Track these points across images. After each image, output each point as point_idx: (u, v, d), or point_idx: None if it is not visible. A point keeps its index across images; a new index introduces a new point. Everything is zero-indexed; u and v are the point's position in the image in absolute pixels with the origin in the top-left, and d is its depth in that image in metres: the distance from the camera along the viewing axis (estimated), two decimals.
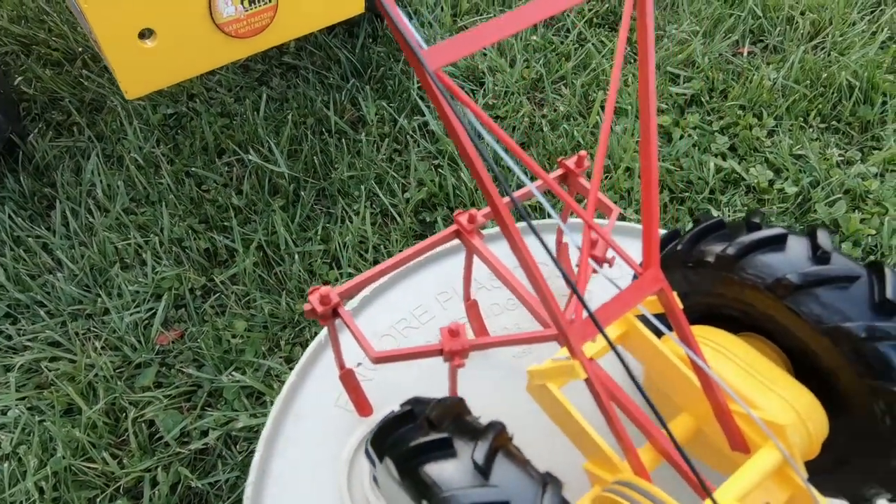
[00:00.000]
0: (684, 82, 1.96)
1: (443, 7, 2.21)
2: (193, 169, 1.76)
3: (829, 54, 2.02)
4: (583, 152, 1.03)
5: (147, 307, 1.49)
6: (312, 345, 1.15)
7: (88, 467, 1.24)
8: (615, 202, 1.66)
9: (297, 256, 1.56)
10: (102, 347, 1.43)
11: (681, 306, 0.68)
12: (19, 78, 2.04)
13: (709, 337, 0.79)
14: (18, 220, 1.66)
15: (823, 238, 0.74)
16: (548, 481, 0.59)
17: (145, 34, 1.04)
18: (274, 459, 1.01)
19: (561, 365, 0.69)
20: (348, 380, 0.97)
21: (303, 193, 1.70)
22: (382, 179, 1.73)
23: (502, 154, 0.54)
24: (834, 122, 1.85)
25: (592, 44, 2.08)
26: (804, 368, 0.77)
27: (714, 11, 2.17)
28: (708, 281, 0.80)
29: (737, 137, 1.81)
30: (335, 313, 0.85)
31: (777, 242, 0.75)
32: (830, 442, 0.76)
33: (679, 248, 0.82)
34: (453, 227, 0.94)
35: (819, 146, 1.79)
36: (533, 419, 0.85)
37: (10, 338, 1.45)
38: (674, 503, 0.60)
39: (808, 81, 1.93)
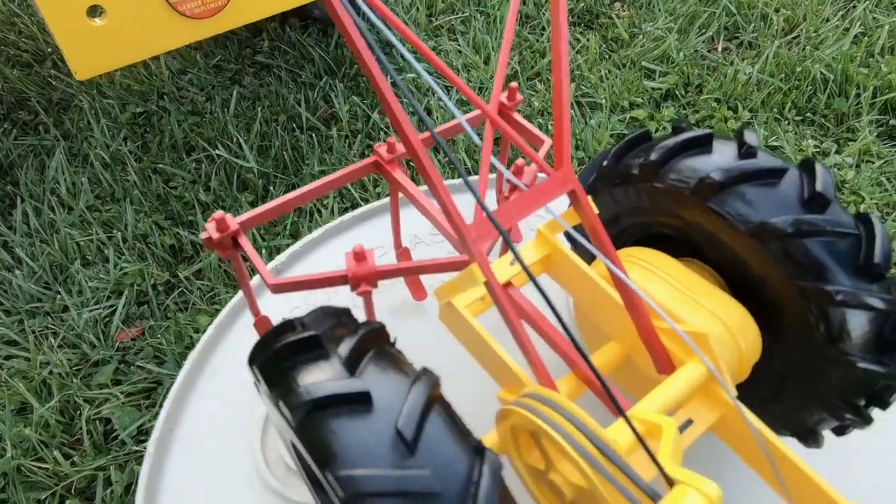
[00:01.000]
0: (660, 77, 1.95)
1: (418, 7, 2.20)
2: (161, 166, 1.72)
3: (803, 49, 2.03)
4: (513, 84, 0.98)
5: (108, 304, 1.44)
6: (234, 300, 1.11)
7: (39, 467, 1.18)
8: None
9: (263, 252, 1.52)
10: (59, 345, 1.38)
11: (596, 210, 0.63)
12: None
13: (640, 256, 0.74)
14: None
15: (750, 136, 0.69)
16: (421, 375, 0.54)
17: (94, 12, 1.01)
18: (185, 414, 0.96)
19: (461, 274, 0.63)
20: (264, 328, 0.91)
21: (272, 189, 1.66)
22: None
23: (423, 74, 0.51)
24: (809, 115, 1.84)
25: (570, 42, 2.07)
26: (739, 287, 0.73)
27: (689, 9, 2.17)
28: (634, 196, 0.75)
29: (712, 130, 1.79)
30: (236, 244, 0.78)
31: (702, 144, 0.71)
32: (768, 368, 0.72)
33: (605, 164, 0.78)
34: (372, 159, 0.88)
35: (794, 137, 1.78)
36: (471, 374, 0.79)
37: None
38: (578, 410, 0.55)
39: (783, 75, 1.92)
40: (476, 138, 0.57)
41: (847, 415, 0.68)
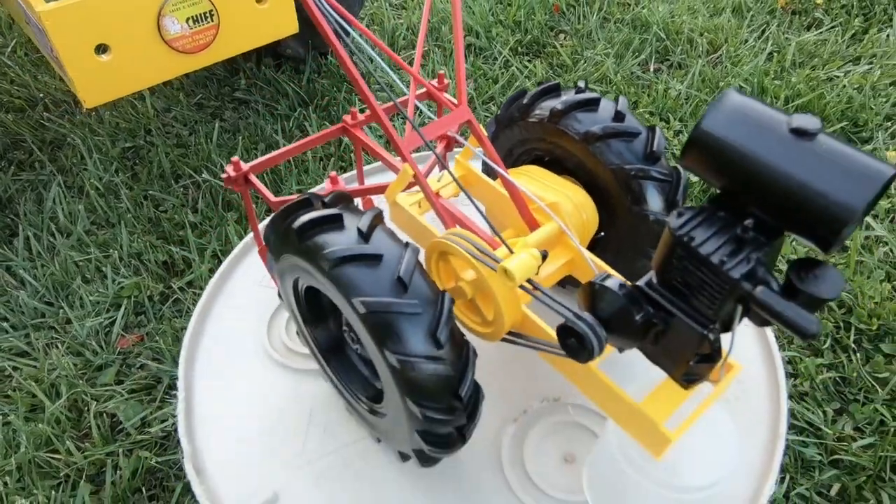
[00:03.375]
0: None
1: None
2: (151, 192, 1.88)
3: (725, 66, 2.28)
4: (440, 72, 1.27)
5: (108, 315, 1.58)
6: (244, 240, 1.36)
7: (52, 457, 1.30)
8: None
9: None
10: (65, 353, 1.50)
11: (485, 134, 0.96)
12: None
13: (522, 169, 1.04)
14: None
15: (622, 103, 1.00)
16: (408, 244, 0.79)
17: (101, 49, 1.19)
18: (210, 321, 1.23)
19: (398, 175, 0.94)
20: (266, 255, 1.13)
21: (255, 207, 1.83)
22: None
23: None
24: None
25: (516, 67, 2.30)
26: (585, 182, 1.03)
27: (624, 37, 2.43)
28: (540, 130, 1.04)
29: (559, 81, 2.01)
30: (247, 181, 1.03)
31: (554, 91, 1.03)
32: (607, 238, 1.04)
33: (524, 102, 1.07)
34: (339, 125, 1.17)
35: None
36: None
37: None
38: (469, 234, 0.83)
39: (708, 89, 2.17)
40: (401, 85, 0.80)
41: None
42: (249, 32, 1.40)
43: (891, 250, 1.63)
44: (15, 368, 1.49)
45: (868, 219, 1.70)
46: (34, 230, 1.80)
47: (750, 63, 2.25)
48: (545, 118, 1.01)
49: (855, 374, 1.38)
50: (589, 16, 2.59)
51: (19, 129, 2.14)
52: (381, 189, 1.06)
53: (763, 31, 2.46)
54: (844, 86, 2.13)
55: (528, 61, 2.38)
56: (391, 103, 1.10)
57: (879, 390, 1.35)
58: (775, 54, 2.30)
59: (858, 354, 1.42)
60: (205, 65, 1.36)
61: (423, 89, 1.20)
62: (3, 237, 1.81)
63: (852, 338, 1.44)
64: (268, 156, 1.10)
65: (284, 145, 2.00)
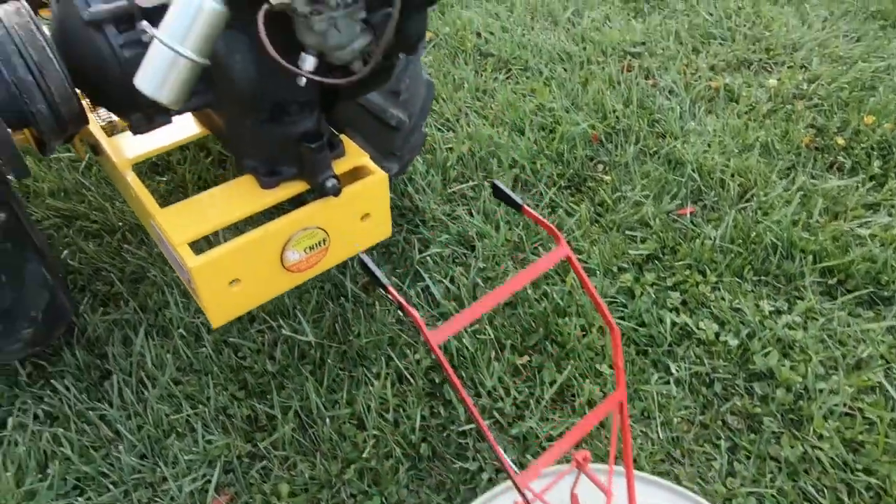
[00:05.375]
0: (640, 242, 2.35)
1: (433, 174, 2.59)
2: (231, 339, 2.03)
3: (755, 213, 2.45)
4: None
5: (201, 473, 1.72)
6: None
7: None
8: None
9: (327, 420, 1.83)
10: None
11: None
12: (65, 251, 2.31)
13: None
14: (75, 392, 1.90)
15: None
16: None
17: (233, 282, 1.35)
18: None
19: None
20: None
21: (328, 359, 1.98)
22: (395, 342, 2.03)
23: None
24: (764, 277, 2.24)
25: (563, 209, 2.47)
26: None
27: (660, 175, 2.60)
28: None
29: (686, 293, 2.18)
30: None
31: None
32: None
33: None
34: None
35: (753, 298, 2.17)
36: None
37: None
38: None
39: (741, 240, 2.34)
40: None
41: None
42: (351, 244, 1.57)
43: None
44: None
45: None
46: (123, 375, 1.94)
47: (780, 211, 2.42)
48: None
49: None
50: (626, 147, 2.76)
51: (100, 259, 2.29)
52: None
53: (790, 172, 2.64)
54: (867, 241, 2.30)
55: (572, 197, 2.54)
56: None
57: None
58: (803, 200, 2.47)
59: None
60: (310, 277, 1.53)
61: None
62: (94, 380, 1.95)
63: None
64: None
65: (350, 288, 2.15)
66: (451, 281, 2.22)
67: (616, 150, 2.77)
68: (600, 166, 2.71)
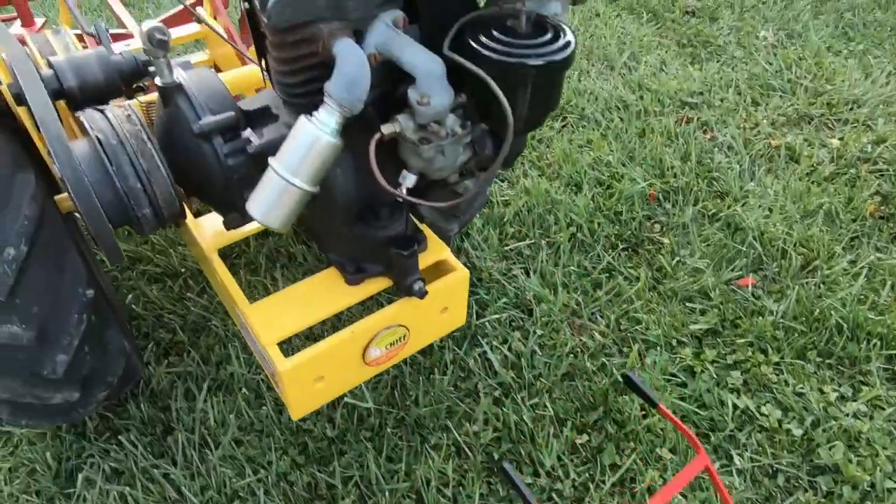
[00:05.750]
0: (700, 314, 2.32)
1: (490, 230, 2.59)
2: None
3: (819, 287, 2.41)
4: None
5: None
6: None
7: None
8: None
9: (387, 493, 1.83)
10: None
11: None
12: (129, 295, 2.36)
13: None
14: (141, 448, 1.93)
15: None
16: None
17: (318, 379, 1.37)
18: None
19: None
20: None
21: (387, 427, 1.99)
22: (453, 411, 2.03)
23: None
24: (828, 359, 2.20)
25: (622, 274, 2.45)
26: None
27: (720, 241, 2.57)
28: None
29: (748, 373, 2.14)
30: None
31: None
32: None
33: None
34: None
35: (817, 382, 2.13)
36: None
37: None
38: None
39: (804, 318, 2.29)
40: None
41: None
42: (428, 335, 1.58)
43: None
44: None
45: None
46: (187, 433, 1.98)
47: (845, 289, 2.37)
48: None
49: None
50: (684, 207, 2.73)
51: (163, 305, 2.33)
52: None
53: (854, 244, 2.58)
54: None
55: (629, 259, 2.52)
56: None
57: None
58: (869, 276, 2.41)
59: None
60: (386, 368, 1.54)
61: None
62: (158, 434, 1.99)
63: None
64: None
65: None
66: (509, 348, 2.21)
67: (674, 209, 2.74)
68: (657, 227, 2.69)
